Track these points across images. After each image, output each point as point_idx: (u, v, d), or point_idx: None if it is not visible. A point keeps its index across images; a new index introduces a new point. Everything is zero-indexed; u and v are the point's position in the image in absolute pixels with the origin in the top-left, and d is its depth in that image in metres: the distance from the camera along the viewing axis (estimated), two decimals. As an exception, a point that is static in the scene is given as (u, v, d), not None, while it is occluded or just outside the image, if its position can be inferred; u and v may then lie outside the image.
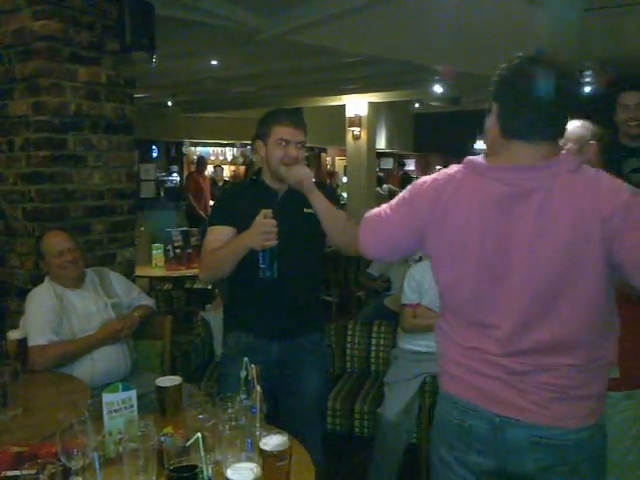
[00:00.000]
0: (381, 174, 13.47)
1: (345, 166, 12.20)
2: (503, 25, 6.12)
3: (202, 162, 10.71)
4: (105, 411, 1.77)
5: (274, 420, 2.05)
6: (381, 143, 14.40)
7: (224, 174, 12.75)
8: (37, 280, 3.05)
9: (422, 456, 3.10)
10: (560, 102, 1.47)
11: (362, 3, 5.19)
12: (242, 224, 2.22)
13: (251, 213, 2.18)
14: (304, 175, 2.23)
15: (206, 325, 3.92)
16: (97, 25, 3.51)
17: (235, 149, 14.50)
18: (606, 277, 1.42)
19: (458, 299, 1.57)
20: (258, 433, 1.66)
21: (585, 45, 6.40)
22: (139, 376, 2.84)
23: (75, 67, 3.41)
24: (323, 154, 16.24)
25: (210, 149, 13.98)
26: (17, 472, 1.55)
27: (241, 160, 14.31)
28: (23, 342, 2.56)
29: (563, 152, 1.52)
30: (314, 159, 15.26)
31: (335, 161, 16.72)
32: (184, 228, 5.94)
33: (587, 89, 7.00)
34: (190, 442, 1.49)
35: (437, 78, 8.44)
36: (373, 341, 3.73)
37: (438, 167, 16.26)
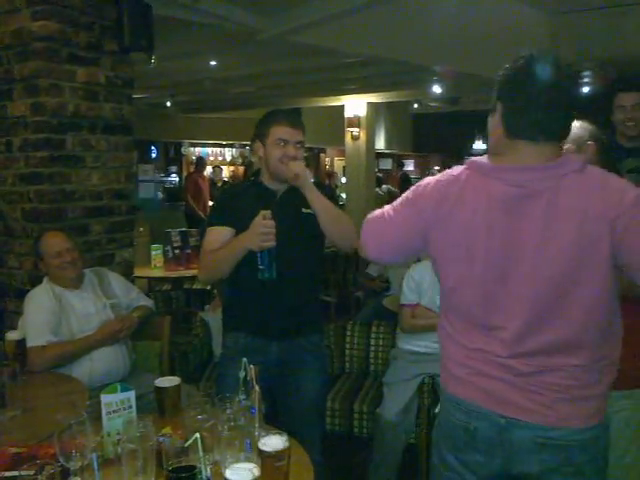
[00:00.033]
0: (380, 174, 13.45)
1: (344, 167, 12.19)
2: (501, 26, 6.14)
3: (201, 162, 10.71)
4: (104, 412, 1.77)
5: (273, 420, 2.05)
6: (380, 143, 14.41)
7: (223, 174, 12.76)
8: (36, 281, 3.05)
9: (421, 456, 3.10)
10: (567, 102, 1.47)
11: (361, 3, 5.20)
12: (241, 225, 2.23)
13: (250, 214, 2.19)
14: (300, 169, 2.23)
15: (205, 326, 3.92)
16: (96, 26, 3.50)
17: (234, 150, 14.51)
18: (611, 277, 1.42)
19: (462, 300, 1.56)
20: (257, 433, 1.66)
21: (585, 45, 6.41)
22: (138, 377, 2.84)
23: (74, 68, 3.41)
24: (322, 155, 16.25)
25: (209, 149, 14.00)
26: (16, 473, 1.54)
27: (240, 161, 14.32)
28: (22, 343, 2.56)
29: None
30: (313, 159, 15.27)
31: (334, 162, 16.72)
32: (183, 229, 5.94)
33: (585, 89, 7.00)
34: (189, 442, 1.49)
35: (436, 78, 8.45)
36: (372, 341, 3.73)
37: (437, 167, 16.31)
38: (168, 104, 10.94)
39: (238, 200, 2.42)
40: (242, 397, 1.84)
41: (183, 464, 1.43)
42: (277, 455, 1.47)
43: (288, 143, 2.28)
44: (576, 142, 2.01)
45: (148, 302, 3.13)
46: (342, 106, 10.47)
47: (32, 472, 1.43)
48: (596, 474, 1.52)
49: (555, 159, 1.46)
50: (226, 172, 13.58)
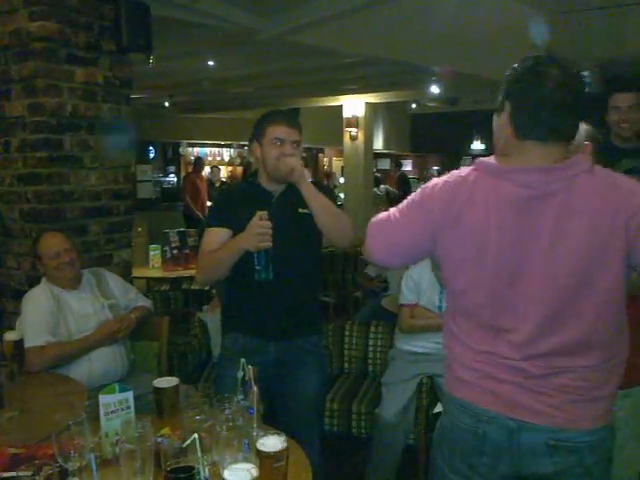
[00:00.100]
0: (378, 175, 13.45)
1: (342, 167, 12.19)
2: (501, 26, 6.14)
3: (199, 163, 10.70)
4: (102, 412, 1.77)
5: (271, 421, 2.05)
6: (378, 144, 14.41)
7: (221, 175, 12.76)
8: (34, 281, 3.05)
9: (420, 456, 3.10)
10: (576, 103, 1.47)
11: (360, 4, 5.20)
12: (238, 226, 2.23)
13: (247, 215, 2.19)
14: (296, 163, 2.23)
15: (203, 326, 3.92)
16: (94, 26, 3.50)
17: (232, 150, 14.51)
18: (623, 277, 1.43)
19: (472, 302, 1.54)
20: (255, 434, 1.66)
21: (585, 45, 6.42)
22: (136, 377, 2.84)
23: (72, 68, 3.41)
24: (320, 155, 16.25)
25: (207, 150, 13.98)
26: (14, 474, 1.54)
27: (238, 161, 14.31)
28: (20, 343, 2.55)
29: None
30: (311, 160, 15.27)
31: (332, 162, 16.72)
32: (181, 229, 5.93)
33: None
34: (187, 443, 1.49)
35: (435, 79, 8.46)
36: (370, 342, 3.73)
37: (435, 167, 16.32)
38: (166, 104, 10.94)
39: (235, 201, 2.42)
40: (240, 397, 1.84)
41: (181, 464, 1.43)
42: (275, 455, 1.47)
43: (285, 142, 2.28)
44: (573, 142, 2.01)
45: (146, 302, 3.13)
46: (340, 106, 10.47)
47: (30, 473, 1.43)
48: (602, 475, 1.52)
49: (563, 160, 1.46)
50: (224, 172, 13.58)
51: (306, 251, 2.38)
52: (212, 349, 3.83)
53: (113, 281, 3.05)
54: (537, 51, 1.49)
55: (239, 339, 2.39)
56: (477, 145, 15.23)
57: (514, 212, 1.45)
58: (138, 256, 4.93)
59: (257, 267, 2.19)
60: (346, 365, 3.79)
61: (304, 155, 2.56)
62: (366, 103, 10.34)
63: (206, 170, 11.81)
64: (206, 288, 5.14)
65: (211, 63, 7.36)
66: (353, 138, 10.45)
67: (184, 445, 1.50)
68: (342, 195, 10.80)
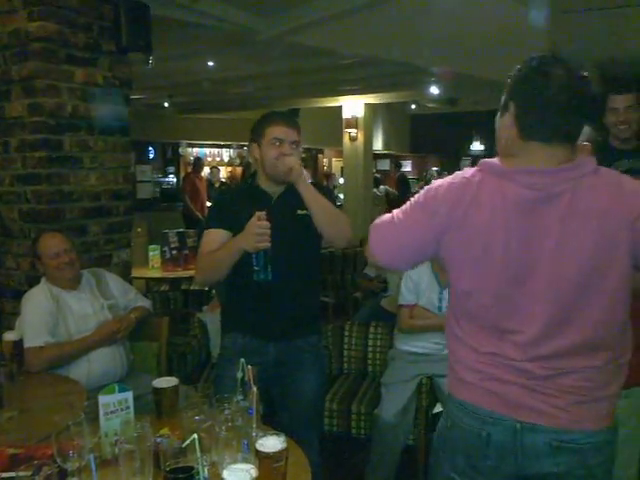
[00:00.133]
0: (378, 175, 13.46)
1: (342, 167, 12.19)
2: (500, 27, 6.14)
3: (199, 163, 10.69)
4: (101, 412, 1.77)
5: (271, 421, 2.05)
6: (378, 144, 14.41)
7: (221, 175, 12.75)
8: (33, 281, 3.05)
9: (419, 457, 3.10)
10: (582, 104, 1.46)
11: (360, 4, 5.20)
12: (237, 227, 2.22)
13: (246, 216, 2.19)
14: (294, 162, 2.23)
15: (203, 326, 3.92)
16: (93, 26, 3.50)
17: (232, 150, 14.51)
18: (629, 278, 1.43)
19: (476, 304, 1.53)
20: (254, 434, 1.66)
21: (585, 45, 6.41)
22: (135, 377, 2.84)
23: (71, 68, 3.40)
24: (320, 155, 16.25)
25: (207, 150, 13.98)
26: (13, 474, 1.54)
27: (238, 161, 14.31)
28: (19, 343, 2.55)
29: None
30: (311, 160, 15.28)
31: (332, 162, 16.73)
32: (181, 229, 5.93)
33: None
34: (186, 443, 1.49)
35: (434, 79, 8.45)
36: (370, 342, 3.73)
37: (435, 168, 16.34)
38: (166, 105, 10.94)
39: (234, 202, 2.42)
40: (240, 398, 1.84)
41: (181, 465, 1.43)
42: (275, 456, 1.47)
43: (284, 142, 2.28)
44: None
45: (146, 303, 3.13)
46: (340, 107, 10.47)
47: (29, 473, 1.43)
48: (605, 476, 1.52)
49: (568, 161, 1.45)
50: (224, 173, 13.57)
51: (305, 252, 2.38)
52: (211, 349, 3.84)
53: (113, 281, 3.05)
54: (541, 51, 1.48)
55: (238, 339, 2.38)
56: (476, 146, 15.26)
57: (520, 213, 1.45)
58: (137, 256, 4.92)
59: (256, 268, 2.18)
60: (345, 365, 3.79)
61: (303, 156, 2.56)
62: (366, 104, 10.34)
63: (205, 170, 11.80)
64: (205, 289, 5.14)
65: (211, 63, 7.37)
66: (353, 139, 10.45)
67: (183, 445, 1.50)
68: (342, 196, 10.80)
